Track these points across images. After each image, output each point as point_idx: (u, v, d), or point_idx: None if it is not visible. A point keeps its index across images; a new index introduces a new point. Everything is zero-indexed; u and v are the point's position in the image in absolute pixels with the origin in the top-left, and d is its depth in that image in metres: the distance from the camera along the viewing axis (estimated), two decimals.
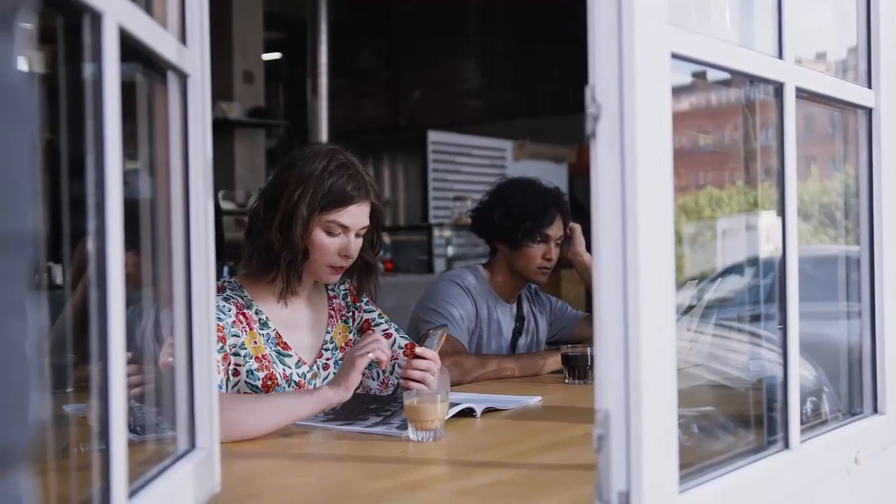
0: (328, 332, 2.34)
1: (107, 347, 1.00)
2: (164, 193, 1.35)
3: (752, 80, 1.55)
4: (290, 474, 1.68)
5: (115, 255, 1.01)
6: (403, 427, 1.90)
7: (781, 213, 1.52)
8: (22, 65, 0.59)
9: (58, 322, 2.02)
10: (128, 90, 1.08)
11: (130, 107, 1.18)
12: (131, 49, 1.10)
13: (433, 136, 7.93)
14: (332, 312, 2.37)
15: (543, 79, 9.08)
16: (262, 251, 2.19)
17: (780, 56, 1.51)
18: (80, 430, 1.38)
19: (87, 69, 1.01)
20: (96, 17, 0.99)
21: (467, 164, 8.03)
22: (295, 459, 1.78)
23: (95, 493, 1.01)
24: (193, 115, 1.36)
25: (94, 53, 1.00)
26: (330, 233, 2.18)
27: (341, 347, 2.35)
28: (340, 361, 2.30)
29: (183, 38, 1.34)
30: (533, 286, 3.18)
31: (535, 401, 2.33)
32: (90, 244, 1.01)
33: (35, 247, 0.59)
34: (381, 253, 2.38)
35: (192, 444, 1.36)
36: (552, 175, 6.39)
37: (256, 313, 2.21)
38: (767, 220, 1.85)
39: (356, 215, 2.20)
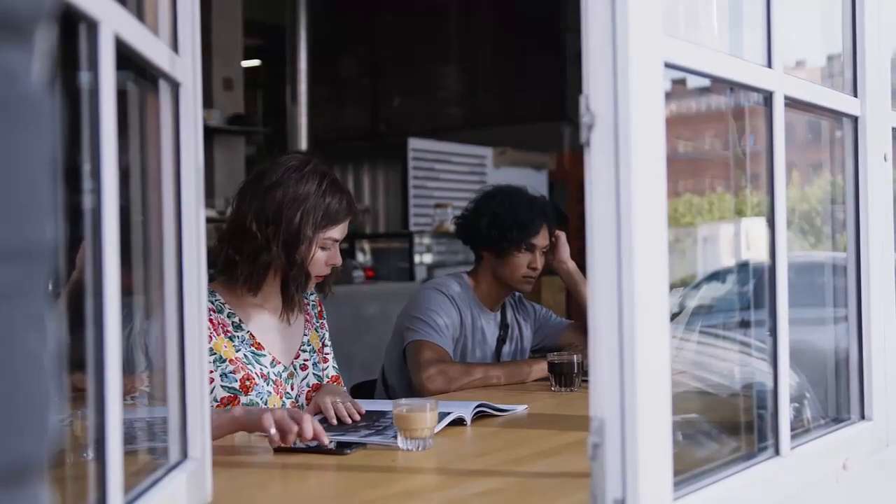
0: (305, 335, 2.41)
1: (103, 358, 0.99)
2: (155, 202, 1.35)
3: (743, 88, 1.56)
4: (281, 485, 1.67)
5: (110, 263, 1.00)
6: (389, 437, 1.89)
7: (771, 220, 1.53)
8: (41, 75, 0.59)
9: None
10: (118, 98, 1.07)
11: (121, 115, 1.17)
12: (123, 57, 1.10)
13: (413, 143, 7.92)
14: (308, 317, 2.44)
15: (524, 86, 9.11)
16: (262, 270, 2.24)
17: (769, 65, 1.52)
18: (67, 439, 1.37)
19: (83, 77, 1.01)
20: (92, 26, 0.99)
21: (448, 172, 8.02)
22: (286, 469, 1.77)
23: (91, 503, 1.00)
24: (185, 124, 1.36)
25: (90, 62, 1.00)
26: (323, 248, 2.28)
27: (318, 350, 2.42)
28: (317, 364, 2.40)
29: (175, 47, 1.34)
30: (517, 294, 3.18)
31: (522, 409, 2.33)
32: (86, 253, 1.00)
33: (52, 259, 0.59)
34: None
35: (185, 455, 1.35)
36: (532, 182, 6.39)
37: (229, 316, 2.26)
38: (748, 227, 1.86)
39: (345, 228, 2.32)
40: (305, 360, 2.38)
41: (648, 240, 1.18)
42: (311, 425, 1.82)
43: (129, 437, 1.39)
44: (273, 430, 1.80)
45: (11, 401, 0.54)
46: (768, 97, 1.52)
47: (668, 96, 1.49)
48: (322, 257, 2.28)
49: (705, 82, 1.56)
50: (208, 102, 7.35)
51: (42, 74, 0.60)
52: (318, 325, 2.48)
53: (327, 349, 2.50)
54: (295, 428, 1.81)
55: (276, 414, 1.84)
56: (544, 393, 2.64)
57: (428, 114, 9.54)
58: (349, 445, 1.86)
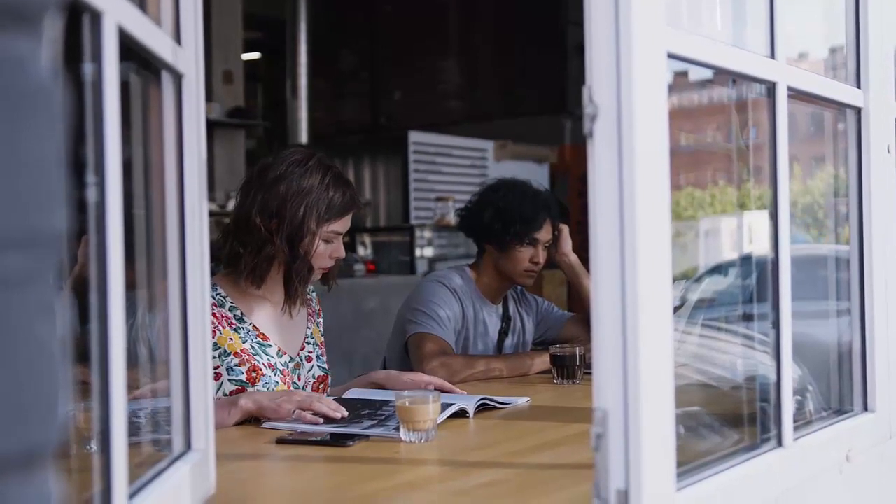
0: (308, 328, 2.43)
1: (107, 350, 0.99)
2: (158, 194, 1.35)
3: (746, 79, 1.56)
4: (284, 476, 1.67)
5: (115, 255, 1.00)
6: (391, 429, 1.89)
7: (774, 212, 1.53)
8: (49, 65, 0.59)
9: None
10: (121, 90, 1.07)
11: (124, 106, 1.17)
12: (126, 48, 1.10)
13: (414, 136, 7.91)
14: (310, 311, 2.47)
15: (525, 80, 9.10)
16: (266, 263, 2.26)
17: (773, 56, 1.52)
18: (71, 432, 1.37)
19: (87, 68, 1.01)
20: (96, 17, 0.99)
21: (449, 165, 8.02)
22: (289, 461, 1.77)
23: (96, 494, 1.00)
24: (188, 116, 1.35)
25: (93, 53, 1.00)
26: (327, 241, 2.29)
27: (320, 344, 2.46)
28: (321, 357, 2.44)
29: (178, 38, 1.34)
30: (519, 286, 3.18)
31: (524, 401, 2.33)
32: (90, 246, 1.00)
33: (62, 247, 0.59)
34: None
35: (188, 446, 1.36)
36: (533, 175, 6.39)
37: (231, 310, 2.28)
38: (751, 220, 1.86)
39: (348, 221, 2.33)
40: (310, 353, 2.41)
41: (651, 231, 1.18)
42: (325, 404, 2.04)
43: (133, 429, 1.39)
44: (296, 414, 2.01)
45: (21, 388, 0.54)
46: (771, 88, 1.52)
47: (670, 89, 1.49)
48: (325, 250, 2.29)
49: (708, 74, 1.55)
50: (208, 96, 7.32)
51: (50, 63, 0.60)
52: (318, 321, 2.51)
53: (323, 347, 2.52)
54: (315, 398, 2.05)
55: (294, 400, 2.03)
56: (546, 385, 2.64)
57: (428, 107, 9.54)
58: (351, 437, 1.86)
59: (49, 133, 0.58)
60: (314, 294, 2.52)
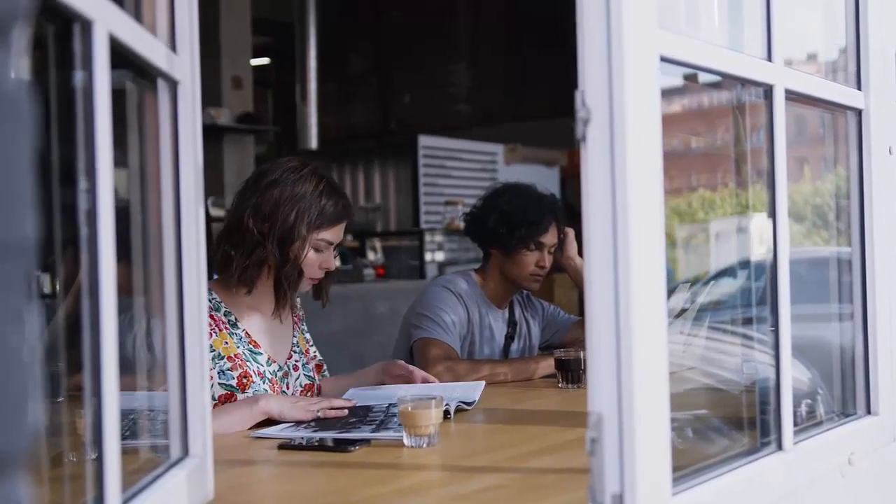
0: (294, 337, 2.46)
1: (100, 356, 1.00)
2: (154, 201, 1.35)
3: (742, 82, 1.55)
4: (283, 482, 1.68)
5: (106, 263, 1.01)
6: (400, 430, 1.89)
7: (772, 214, 1.53)
8: (19, 73, 0.59)
9: (49, 331, 2.03)
10: (116, 97, 1.08)
11: (119, 114, 1.18)
12: (120, 56, 1.10)
13: (424, 140, 7.91)
14: (296, 320, 2.49)
15: (534, 82, 9.09)
16: (256, 266, 2.27)
17: (770, 58, 1.51)
18: (71, 438, 1.37)
19: (78, 76, 1.01)
20: (87, 25, 0.99)
21: (458, 169, 8.01)
22: (288, 467, 1.77)
23: (90, 501, 1.00)
24: (184, 123, 1.36)
25: (84, 61, 1.00)
26: (317, 249, 2.31)
27: (304, 353, 2.47)
28: (306, 365, 2.45)
29: (173, 46, 1.34)
30: (525, 291, 3.18)
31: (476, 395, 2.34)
32: (82, 253, 1.00)
33: (33, 255, 0.59)
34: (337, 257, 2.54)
35: (186, 452, 1.36)
36: (543, 179, 6.39)
37: (226, 315, 2.30)
38: (760, 223, 1.85)
39: (341, 232, 2.35)
40: (296, 362, 2.43)
41: (644, 234, 1.18)
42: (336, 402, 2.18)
43: (133, 434, 1.39)
44: (322, 413, 2.11)
45: None
46: (768, 90, 1.51)
47: (681, 91, 1.49)
48: (315, 259, 2.30)
49: (717, 77, 1.55)
50: (217, 101, 7.35)
51: (20, 72, 0.60)
52: (303, 328, 2.53)
53: (312, 346, 2.54)
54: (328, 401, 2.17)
55: (313, 402, 2.14)
56: (551, 389, 2.64)
57: (438, 111, 9.53)
58: (353, 442, 1.86)
59: (18, 141, 0.58)
60: (298, 300, 2.54)
